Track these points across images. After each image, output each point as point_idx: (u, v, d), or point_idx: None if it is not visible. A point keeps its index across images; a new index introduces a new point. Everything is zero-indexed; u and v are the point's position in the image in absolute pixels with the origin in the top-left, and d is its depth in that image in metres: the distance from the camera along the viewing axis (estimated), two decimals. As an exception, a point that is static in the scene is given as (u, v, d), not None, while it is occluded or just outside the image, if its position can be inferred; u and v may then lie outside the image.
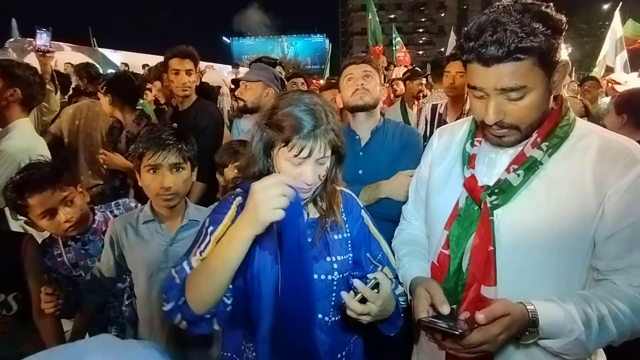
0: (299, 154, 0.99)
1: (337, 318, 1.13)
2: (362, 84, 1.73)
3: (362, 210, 1.23)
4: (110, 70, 8.08)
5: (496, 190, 0.99)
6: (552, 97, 0.98)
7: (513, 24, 0.86)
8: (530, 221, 0.95)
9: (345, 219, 1.17)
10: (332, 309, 1.12)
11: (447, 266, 1.05)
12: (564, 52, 0.95)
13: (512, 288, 0.95)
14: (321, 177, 1.06)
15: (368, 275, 0.99)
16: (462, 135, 1.17)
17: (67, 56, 8.57)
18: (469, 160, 1.09)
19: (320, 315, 1.09)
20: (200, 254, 1.01)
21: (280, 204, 0.86)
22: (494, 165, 1.05)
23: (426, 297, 0.99)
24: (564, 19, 0.89)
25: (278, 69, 2.94)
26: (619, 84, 4.28)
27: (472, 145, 1.11)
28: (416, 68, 5.20)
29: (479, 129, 1.10)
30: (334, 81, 2.86)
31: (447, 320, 0.92)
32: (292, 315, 1.01)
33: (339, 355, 1.16)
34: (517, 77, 0.88)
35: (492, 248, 0.98)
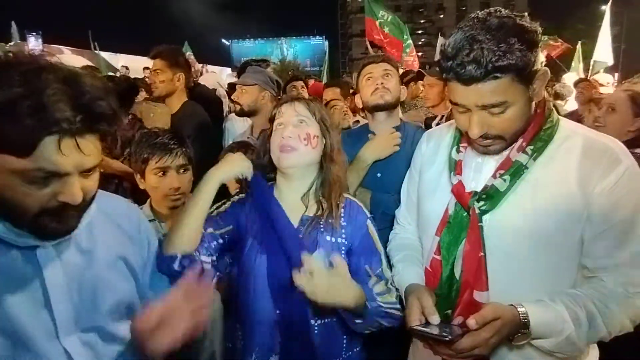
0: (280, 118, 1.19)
1: (325, 321, 1.15)
2: (382, 83, 1.71)
3: (368, 220, 1.24)
4: (109, 74, 8.12)
5: (484, 196, 1.01)
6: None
7: (489, 41, 0.85)
8: (518, 225, 0.97)
9: (344, 224, 1.19)
10: (319, 312, 1.13)
11: (440, 272, 1.07)
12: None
13: (504, 292, 0.97)
14: (302, 139, 1.15)
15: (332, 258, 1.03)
16: (450, 139, 1.18)
17: (67, 60, 8.61)
18: (455, 167, 1.10)
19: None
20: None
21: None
22: (480, 170, 1.06)
23: (418, 306, 1.00)
24: (538, 29, 0.90)
25: (269, 69, 2.96)
26: (602, 85, 4.29)
27: (458, 151, 1.12)
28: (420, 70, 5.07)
29: (465, 135, 1.11)
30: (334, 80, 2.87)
31: (440, 326, 0.94)
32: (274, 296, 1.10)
33: None
34: (497, 94, 0.89)
35: (482, 254, 0.99)
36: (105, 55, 10.66)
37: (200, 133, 2.30)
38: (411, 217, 1.31)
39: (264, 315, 1.11)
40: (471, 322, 0.89)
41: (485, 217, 1.01)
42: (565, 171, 0.96)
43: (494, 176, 1.01)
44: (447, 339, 0.89)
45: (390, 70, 1.75)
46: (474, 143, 1.03)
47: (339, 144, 1.22)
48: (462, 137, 1.12)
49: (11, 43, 9.16)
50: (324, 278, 0.98)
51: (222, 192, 2.04)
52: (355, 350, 1.22)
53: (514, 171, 0.98)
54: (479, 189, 1.03)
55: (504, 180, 0.99)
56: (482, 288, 1.00)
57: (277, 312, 1.10)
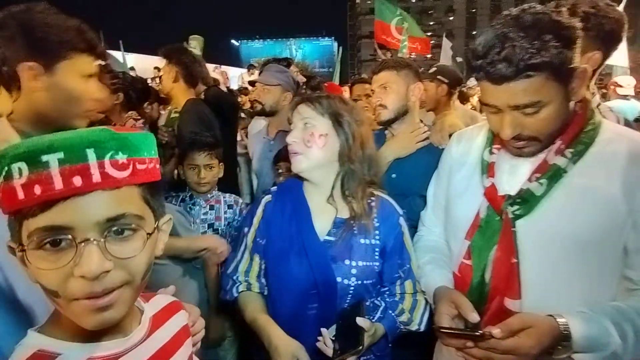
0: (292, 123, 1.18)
1: None
2: (377, 101, 1.67)
3: (401, 218, 1.22)
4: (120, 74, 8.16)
5: (518, 200, 0.97)
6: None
7: (522, 39, 0.82)
8: (555, 232, 0.93)
9: (377, 225, 1.16)
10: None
11: (470, 277, 1.04)
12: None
13: (538, 300, 0.93)
14: (305, 141, 1.12)
15: (358, 321, 1.02)
16: (481, 141, 1.15)
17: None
18: (487, 169, 1.07)
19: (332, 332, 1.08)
20: (239, 266, 1.22)
21: None
22: (515, 173, 1.02)
23: (448, 312, 0.98)
24: (577, 25, 0.86)
25: (293, 68, 2.93)
26: (620, 86, 4.20)
27: (491, 153, 1.09)
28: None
29: (497, 136, 1.08)
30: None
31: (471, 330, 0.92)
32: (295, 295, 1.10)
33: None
34: (530, 94, 0.86)
35: (515, 260, 0.96)
36: (115, 54, 10.74)
37: (201, 128, 2.26)
38: (437, 220, 1.28)
39: (294, 315, 1.09)
40: (496, 331, 0.86)
41: (519, 222, 0.98)
42: (608, 176, 0.92)
43: (529, 179, 0.97)
44: (476, 333, 0.87)
45: (388, 81, 1.65)
46: (507, 145, 1.00)
47: (361, 138, 1.16)
48: (495, 138, 1.08)
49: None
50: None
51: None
52: (386, 348, 1.20)
53: (552, 175, 0.95)
54: (513, 193, 0.99)
55: (541, 184, 0.95)
56: (514, 296, 0.96)
57: (308, 312, 1.09)
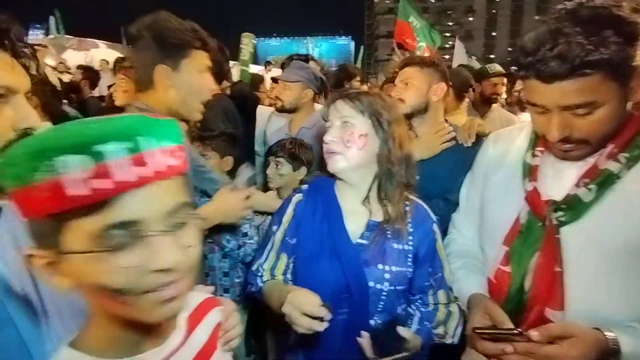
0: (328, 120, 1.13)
1: (385, 321, 1.09)
2: (396, 95, 1.64)
3: (435, 225, 1.18)
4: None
5: (563, 206, 0.92)
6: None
7: (578, 35, 0.76)
8: (605, 240, 0.88)
9: (411, 230, 1.13)
10: (379, 318, 1.09)
11: (507, 284, 0.99)
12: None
13: (582, 312, 0.88)
14: (345, 141, 1.07)
15: (399, 330, 1.01)
16: (521, 142, 1.09)
17: (102, 53, 8.86)
18: (529, 172, 1.02)
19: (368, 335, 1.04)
20: (265, 264, 1.18)
21: (296, 327, 0.92)
22: (560, 177, 0.97)
23: (482, 323, 0.94)
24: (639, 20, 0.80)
25: (312, 64, 2.90)
26: None
27: (534, 155, 1.04)
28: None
29: (541, 137, 1.03)
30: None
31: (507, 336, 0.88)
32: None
33: None
34: (585, 94, 0.80)
35: (559, 269, 0.91)
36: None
37: (227, 124, 2.31)
38: (470, 223, 1.23)
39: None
40: (534, 333, 0.81)
41: (564, 229, 0.93)
42: None
43: (577, 185, 0.92)
44: (516, 331, 0.84)
45: (409, 77, 1.64)
46: (553, 147, 0.94)
47: (400, 138, 1.12)
48: (538, 140, 1.03)
49: (51, 36, 9.49)
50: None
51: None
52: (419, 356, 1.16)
53: (603, 180, 0.89)
54: (557, 198, 0.94)
55: (589, 189, 0.90)
56: (556, 306, 0.92)
57: (337, 316, 1.04)
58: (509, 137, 1.15)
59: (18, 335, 0.61)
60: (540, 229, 0.96)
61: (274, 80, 2.41)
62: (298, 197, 1.17)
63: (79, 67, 6.31)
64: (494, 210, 1.10)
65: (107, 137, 0.43)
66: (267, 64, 8.78)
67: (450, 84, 2.68)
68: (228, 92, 2.92)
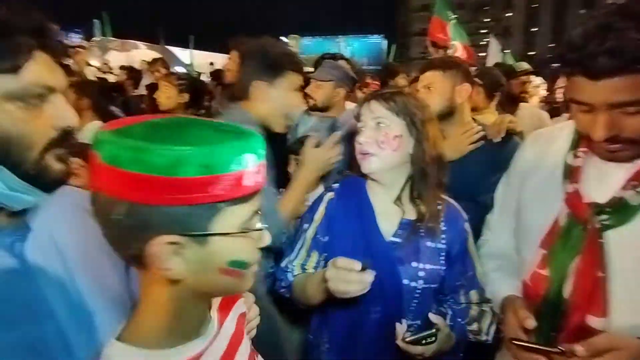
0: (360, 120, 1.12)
1: (417, 323, 1.09)
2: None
3: (466, 224, 1.17)
4: (177, 68, 8.60)
5: (608, 210, 0.89)
6: None
7: (630, 30, 0.73)
8: None
9: (444, 228, 1.12)
10: (412, 317, 1.09)
11: (544, 288, 0.96)
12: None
13: (627, 320, 0.85)
14: (379, 142, 1.07)
15: (430, 316, 1.03)
16: (562, 143, 1.05)
17: (142, 54, 9.28)
18: (570, 174, 0.99)
19: (406, 325, 1.05)
20: (295, 261, 1.20)
21: (349, 292, 0.92)
22: (605, 179, 0.93)
23: (518, 322, 0.92)
24: None
25: (342, 63, 2.91)
26: None
27: (575, 156, 1.00)
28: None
29: (584, 137, 0.99)
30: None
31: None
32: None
33: None
34: (636, 91, 0.76)
35: (602, 274, 0.87)
36: (173, 50, 11.31)
37: None
38: (505, 225, 1.20)
39: (356, 319, 1.07)
40: (579, 348, 0.79)
41: (608, 233, 0.89)
42: None
43: (624, 187, 0.88)
44: (557, 349, 0.81)
45: (431, 81, 1.59)
46: (598, 148, 0.91)
47: (433, 138, 1.11)
48: (581, 140, 0.99)
49: (96, 38, 10.01)
50: (430, 349, 0.99)
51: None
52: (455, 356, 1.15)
53: None
54: (601, 201, 0.90)
55: (639, 192, 0.86)
56: (598, 313, 0.88)
57: (371, 315, 1.06)
58: (549, 137, 1.12)
59: (60, 330, 0.61)
60: (581, 232, 0.92)
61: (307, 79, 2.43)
62: (330, 195, 1.18)
63: (122, 67, 6.62)
64: (531, 213, 1.07)
65: (259, 145, 0.55)
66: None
67: (481, 83, 2.64)
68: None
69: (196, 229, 0.50)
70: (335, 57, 2.92)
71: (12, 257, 0.58)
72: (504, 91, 3.08)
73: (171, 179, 0.47)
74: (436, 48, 7.30)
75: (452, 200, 1.19)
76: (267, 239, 0.59)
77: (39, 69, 0.55)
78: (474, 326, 1.12)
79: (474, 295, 1.14)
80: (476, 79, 2.67)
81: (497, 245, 1.21)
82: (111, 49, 9.40)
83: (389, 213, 1.12)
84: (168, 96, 2.59)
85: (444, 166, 1.12)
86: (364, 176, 1.16)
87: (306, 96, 2.26)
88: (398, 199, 1.12)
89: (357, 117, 1.14)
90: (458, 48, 6.61)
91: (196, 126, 0.53)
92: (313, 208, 1.19)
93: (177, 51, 11.36)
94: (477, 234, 1.30)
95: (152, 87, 4.57)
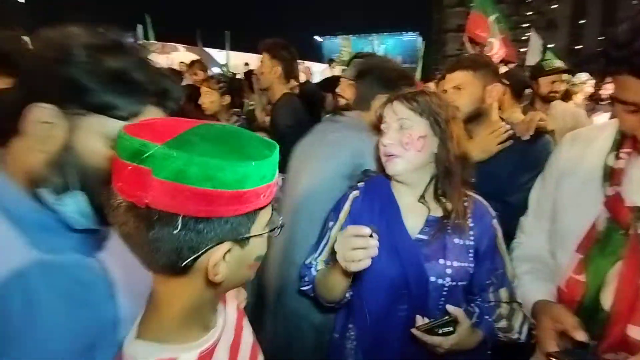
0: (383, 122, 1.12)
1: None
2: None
3: (494, 220, 1.14)
4: (214, 69, 8.86)
5: None
6: None
7: None
8: None
9: (471, 225, 1.10)
10: (440, 315, 1.07)
11: (580, 295, 0.93)
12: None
13: None
14: (403, 144, 1.06)
15: (448, 308, 1.02)
16: (602, 143, 1.01)
17: (181, 56, 9.65)
18: (611, 176, 0.94)
19: (426, 319, 1.05)
20: (319, 257, 1.20)
21: (355, 257, 0.90)
22: None
23: (553, 326, 0.89)
24: None
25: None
26: None
27: (617, 157, 0.95)
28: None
29: (628, 138, 0.94)
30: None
31: (582, 355, 0.82)
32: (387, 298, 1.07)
33: None
34: None
35: (644, 282, 0.83)
36: (211, 51, 11.65)
37: (296, 122, 2.36)
38: (540, 227, 1.16)
39: (383, 316, 1.07)
40: None
41: (652, 239, 0.84)
42: None
43: None
44: None
45: (461, 82, 1.53)
46: None
47: (457, 137, 1.09)
48: (624, 141, 0.94)
49: (139, 42, 10.49)
50: (449, 340, 0.98)
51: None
52: (485, 356, 1.13)
53: None
54: (644, 205, 0.86)
55: None
56: None
57: (398, 313, 1.06)
58: (588, 137, 1.07)
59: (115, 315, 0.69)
60: (621, 237, 0.88)
61: (337, 78, 2.43)
62: (355, 193, 1.18)
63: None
64: (567, 216, 1.02)
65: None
66: (331, 61, 8.85)
67: (507, 83, 2.55)
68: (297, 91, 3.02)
69: (243, 234, 0.54)
70: (365, 56, 2.91)
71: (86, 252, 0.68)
72: (533, 91, 2.96)
73: (239, 192, 0.50)
74: (473, 44, 7.06)
75: (479, 197, 1.17)
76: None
77: None
78: (503, 323, 1.09)
79: (503, 293, 1.12)
80: (504, 80, 2.59)
81: (530, 248, 1.17)
82: (153, 52, 9.82)
83: (415, 211, 1.11)
84: (211, 100, 2.70)
85: (468, 164, 1.10)
86: (388, 175, 1.15)
87: (338, 96, 2.27)
88: (422, 197, 1.11)
89: (380, 119, 1.13)
90: (495, 45, 6.34)
91: (245, 139, 0.55)
92: (338, 206, 1.20)
93: (214, 52, 11.70)
94: (506, 235, 1.27)
95: (190, 88, 4.74)
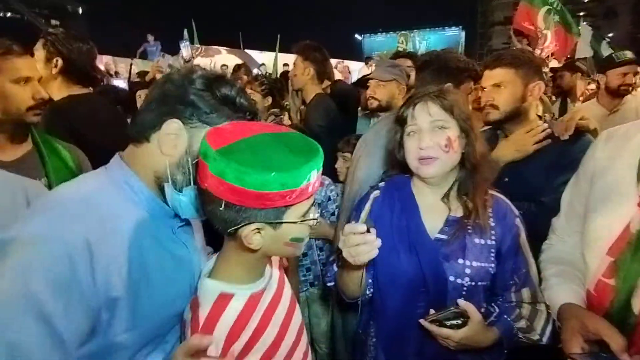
0: (413, 123, 1.08)
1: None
2: (487, 100, 1.51)
3: (517, 219, 1.12)
4: (255, 70, 9.11)
5: None
6: None
7: None
8: None
9: (492, 224, 1.09)
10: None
11: (610, 299, 0.90)
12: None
13: None
14: (442, 146, 1.04)
15: (458, 301, 1.01)
16: (639, 142, 0.96)
17: (223, 58, 10.02)
18: None
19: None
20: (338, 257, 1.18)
21: (356, 253, 0.92)
22: None
23: (581, 331, 0.87)
24: None
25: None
26: None
27: None
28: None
29: None
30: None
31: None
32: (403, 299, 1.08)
33: None
34: None
35: (677, 287, 0.79)
36: (251, 53, 11.98)
37: (328, 122, 2.41)
38: (571, 229, 1.13)
39: (401, 314, 1.09)
40: None
41: (687, 243, 0.80)
42: None
43: None
44: None
45: (503, 80, 1.47)
46: None
47: (478, 134, 1.08)
48: None
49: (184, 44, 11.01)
50: (458, 333, 0.99)
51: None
52: (501, 356, 1.11)
53: None
54: (680, 207, 0.81)
55: None
56: (673, 330, 0.80)
57: (416, 311, 1.07)
58: (625, 135, 1.02)
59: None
60: (655, 240, 0.84)
61: (366, 80, 2.44)
62: (375, 193, 1.19)
63: (205, 72, 7.20)
64: (599, 217, 0.99)
65: (321, 158, 0.74)
66: (368, 59, 8.78)
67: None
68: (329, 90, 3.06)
69: (273, 219, 0.73)
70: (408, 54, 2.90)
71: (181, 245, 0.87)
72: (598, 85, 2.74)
73: (261, 193, 0.68)
74: (521, 38, 6.70)
75: (501, 196, 1.15)
76: (316, 215, 0.80)
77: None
78: (522, 323, 1.06)
79: (525, 293, 1.09)
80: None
81: (561, 250, 1.14)
82: (197, 56, 10.27)
83: (435, 210, 1.11)
84: (255, 102, 2.84)
85: (489, 161, 1.10)
86: (410, 174, 1.16)
87: (370, 98, 2.26)
88: (445, 197, 1.11)
89: (404, 120, 1.10)
90: (547, 37, 5.93)
91: (281, 151, 0.71)
92: (360, 205, 1.22)
93: (255, 54, 12.02)
94: (542, 238, 1.23)
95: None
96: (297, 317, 0.94)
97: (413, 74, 2.72)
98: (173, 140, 0.77)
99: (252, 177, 0.66)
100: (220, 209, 0.70)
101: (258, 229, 0.73)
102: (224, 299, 0.78)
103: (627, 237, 0.89)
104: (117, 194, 0.78)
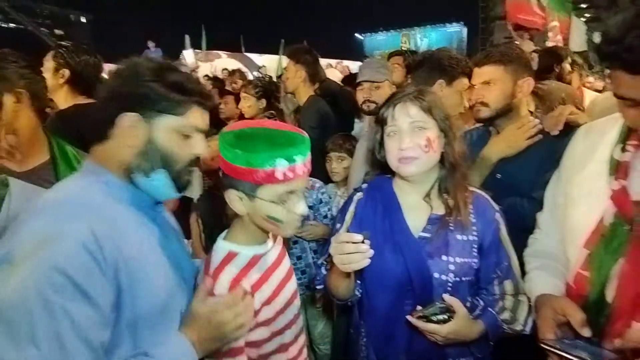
0: (392, 124, 1.10)
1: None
2: (477, 98, 1.52)
3: (497, 214, 1.15)
4: (254, 73, 9.16)
5: None
6: None
7: None
8: None
9: (473, 220, 1.12)
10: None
11: (586, 291, 0.92)
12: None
13: None
14: (422, 147, 1.06)
15: (444, 296, 1.03)
16: (613, 135, 0.98)
17: (224, 62, 10.11)
18: (617, 169, 0.92)
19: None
20: (328, 258, 1.19)
21: (347, 261, 0.95)
22: None
23: (553, 317, 0.90)
24: None
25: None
26: None
27: (623, 150, 0.92)
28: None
29: (634, 131, 0.91)
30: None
31: (581, 346, 0.83)
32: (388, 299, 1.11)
33: None
34: None
35: (647, 277, 0.81)
36: (251, 56, 12.06)
37: (320, 123, 2.43)
38: (555, 224, 1.14)
39: (389, 313, 1.11)
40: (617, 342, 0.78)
41: (656, 234, 0.82)
42: None
43: None
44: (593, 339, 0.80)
45: (492, 77, 1.47)
46: None
47: (456, 133, 1.11)
48: (630, 133, 0.92)
49: (186, 52, 11.11)
50: (445, 328, 1.00)
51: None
52: (487, 348, 1.14)
53: None
54: (650, 199, 0.83)
55: None
56: (644, 319, 0.82)
57: (403, 308, 1.09)
58: (602, 129, 1.03)
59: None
60: (626, 232, 0.86)
61: (358, 83, 2.41)
62: (359, 195, 1.21)
63: (205, 76, 7.26)
64: (575, 210, 1.01)
65: (297, 151, 0.90)
66: (365, 59, 8.77)
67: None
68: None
69: (248, 192, 0.90)
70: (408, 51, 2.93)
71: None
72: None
73: (233, 166, 0.88)
74: (521, 31, 6.60)
75: (480, 191, 1.17)
76: (302, 209, 0.93)
77: (194, 116, 0.87)
78: (506, 315, 1.08)
79: (508, 285, 1.12)
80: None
81: (545, 244, 1.15)
82: (198, 60, 10.36)
83: (417, 209, 1.14)
84: (249, 105, 2.91)
85: (467, 159, 1.13)
86: (391, 174, 1.18)
87: (367, 102, 2.23)
88: (427, 195, 1.13)
89: (384, 121, 1.12)
90: (555, 29, 5.78)
91: (258, 138, 0.89)
92: (345, 208, 1.24)
93: (255, 57, 12.10)
94: (532, 231, 1.24)
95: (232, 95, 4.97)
96: (292, 284, 1.09)
97: (397, 72, 2.76)
98: (131, 131, 0.82)
99: (228, 152, 0.89)
100: (221, 176, 0.94)
101: (240, 197, 0.91)
102: (231, 256, 0.97)
103: (601, 230, 0.91)
104: (99, 192, 0.83)
